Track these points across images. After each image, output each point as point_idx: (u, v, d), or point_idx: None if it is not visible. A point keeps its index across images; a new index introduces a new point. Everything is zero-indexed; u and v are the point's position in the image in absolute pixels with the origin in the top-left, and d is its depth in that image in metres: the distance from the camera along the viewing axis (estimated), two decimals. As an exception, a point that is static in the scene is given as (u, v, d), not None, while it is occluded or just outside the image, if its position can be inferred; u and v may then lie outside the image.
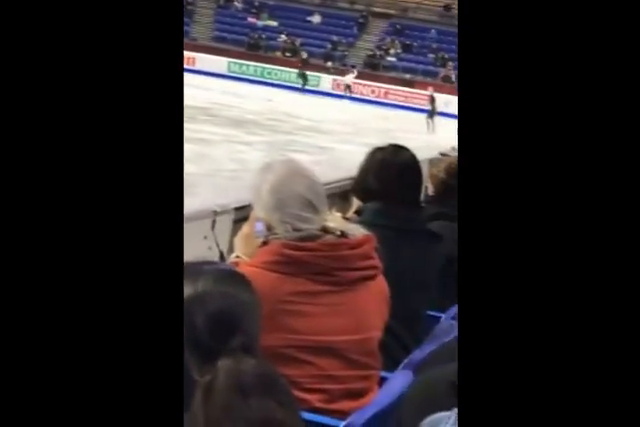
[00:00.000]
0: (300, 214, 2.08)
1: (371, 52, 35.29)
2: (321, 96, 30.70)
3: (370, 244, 2.14)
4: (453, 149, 5.11)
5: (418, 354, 2.27)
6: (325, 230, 2.09)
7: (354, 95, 31.20)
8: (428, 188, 3.63)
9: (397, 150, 2.86)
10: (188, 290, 1.36)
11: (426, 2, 36.74)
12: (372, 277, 2.15)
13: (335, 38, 35.83)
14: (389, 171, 2.76)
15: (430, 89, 26.69)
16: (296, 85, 31.60)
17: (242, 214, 3.18)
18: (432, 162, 4.61)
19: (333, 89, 32.80)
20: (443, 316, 2.74)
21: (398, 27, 36.18)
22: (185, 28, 30.22)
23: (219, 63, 33.11)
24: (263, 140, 16.04)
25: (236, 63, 33.97)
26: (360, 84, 32.13)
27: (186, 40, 29.06)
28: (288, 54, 34.87)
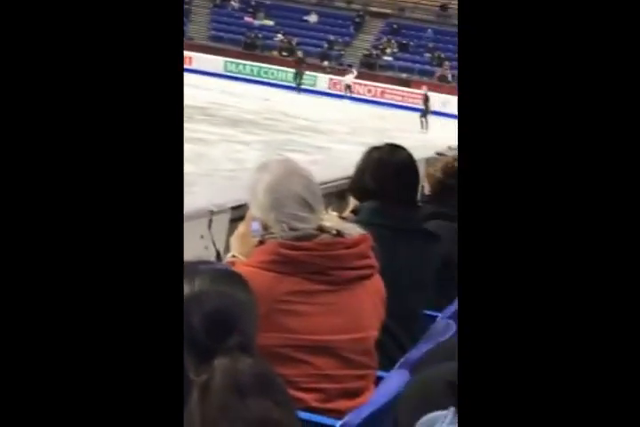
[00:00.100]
0: (297, 214, 2.08)
1: (367, 52, 35.28)
2: (318, 95, 30.69)
3: (366, 243, 2.14)
4: (450, 148, 5.12)
5: (414, 353, 2.27)
6: (321, 230, 2.09)
7: (352, 95, 31.21)
8: (425, 187, 3.63)
9: (394, 150, 2.86)
10: (184, 289, 1.36)
11: (422, 1, 36.73)
12: (368, 277, 2.15)
13: (332, 38, 35.81)
14: (386, 170, 2.76)
15: (424, 88, 26.74)
16: (293, 85, 31.59)
17: (239, 214, 3.18)
18: (429, 161, 4.62)
19: (330, 88, 32.79)
20: (439, 315, 2.74)
21: (395, 26, 36.17)
22: (182, 27, 30.15)
23: (215, 63, 33.05)
24: (260, 140, 16.04)
25: (232, 62, 33.93)
26: (357, 83, 32.11)
27: (182, 39, 28.99)
28: (285, 54, 34.86)
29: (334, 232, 2.10)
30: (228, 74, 33.00)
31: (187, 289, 1.36)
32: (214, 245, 3.24)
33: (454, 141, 5.50)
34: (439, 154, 4.75)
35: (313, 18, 36.95)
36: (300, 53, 31.67)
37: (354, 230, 2.15)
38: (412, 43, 35.58)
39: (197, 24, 35.78)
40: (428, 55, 34.84)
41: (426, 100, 25.08)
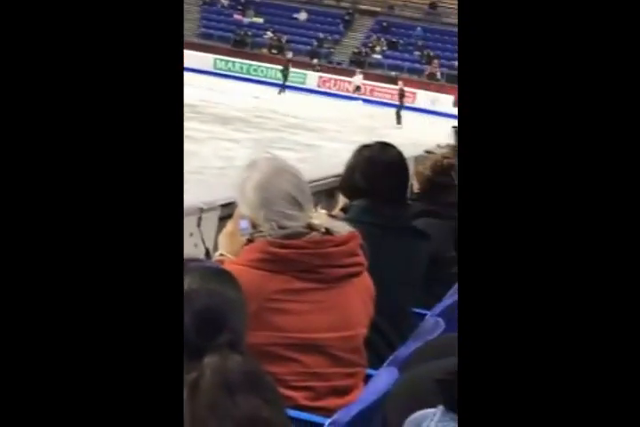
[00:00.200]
0: (286, 212, 2.08)
1: (357, 50, 35.29)
2: (307, 93, 30.67)
3: (355, 241, 2.14)
4: (439, 146, 5.12)
5: (403, 351, 2.28)
6: (311, 228, 2.10)
7: (339, 92, 31.23)
8: (414, 185, 3.63)
9: (384, 148, 2.86)
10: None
11: (412, -1, 36.80)
12: (357, 275, 2.15)
13: (321, 35, 35.82)
14: (376, 168, 2.76)
15: (400, 83, 26.93)
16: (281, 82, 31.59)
17: (228, 211, 3.17)
18: (418, 159, 4.62)
19: (319, 86, 32.78)
20: (428, 313, 2.74)
21: (384, 24, 36.19)
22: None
23: (205, 60, 32.97)
24: (250, 138, 16.01)
25: (222, 60, 33.89)
26: (346, 81, 32.13)
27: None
28: (274, 51, 34.83)
29: (323, 230, 2.10)
30: (218, 71, 32.95)
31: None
32: (203, 242, 3.23)
33: (443, 139, 5.51)
34: (428, 152, 4.75)
35: (302, 16, 36.94)
36: (290, 55, 31.58)
37: (343, 228, 2.15)
38: (401, 41, 35.62)
39: (187, 21, 35.61)
40: (417, 53, 34.88)
41: (401, 95, 25.38)
